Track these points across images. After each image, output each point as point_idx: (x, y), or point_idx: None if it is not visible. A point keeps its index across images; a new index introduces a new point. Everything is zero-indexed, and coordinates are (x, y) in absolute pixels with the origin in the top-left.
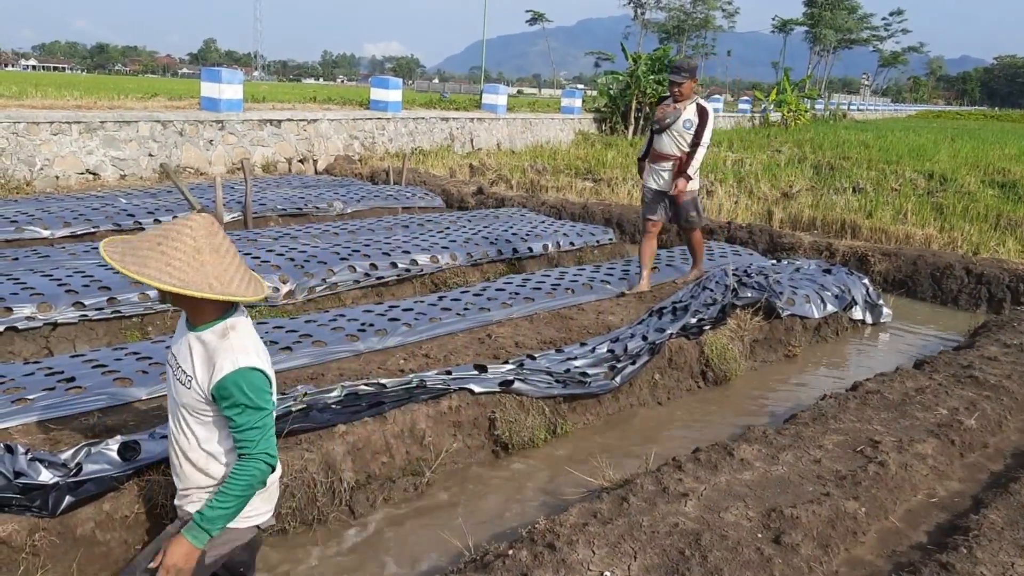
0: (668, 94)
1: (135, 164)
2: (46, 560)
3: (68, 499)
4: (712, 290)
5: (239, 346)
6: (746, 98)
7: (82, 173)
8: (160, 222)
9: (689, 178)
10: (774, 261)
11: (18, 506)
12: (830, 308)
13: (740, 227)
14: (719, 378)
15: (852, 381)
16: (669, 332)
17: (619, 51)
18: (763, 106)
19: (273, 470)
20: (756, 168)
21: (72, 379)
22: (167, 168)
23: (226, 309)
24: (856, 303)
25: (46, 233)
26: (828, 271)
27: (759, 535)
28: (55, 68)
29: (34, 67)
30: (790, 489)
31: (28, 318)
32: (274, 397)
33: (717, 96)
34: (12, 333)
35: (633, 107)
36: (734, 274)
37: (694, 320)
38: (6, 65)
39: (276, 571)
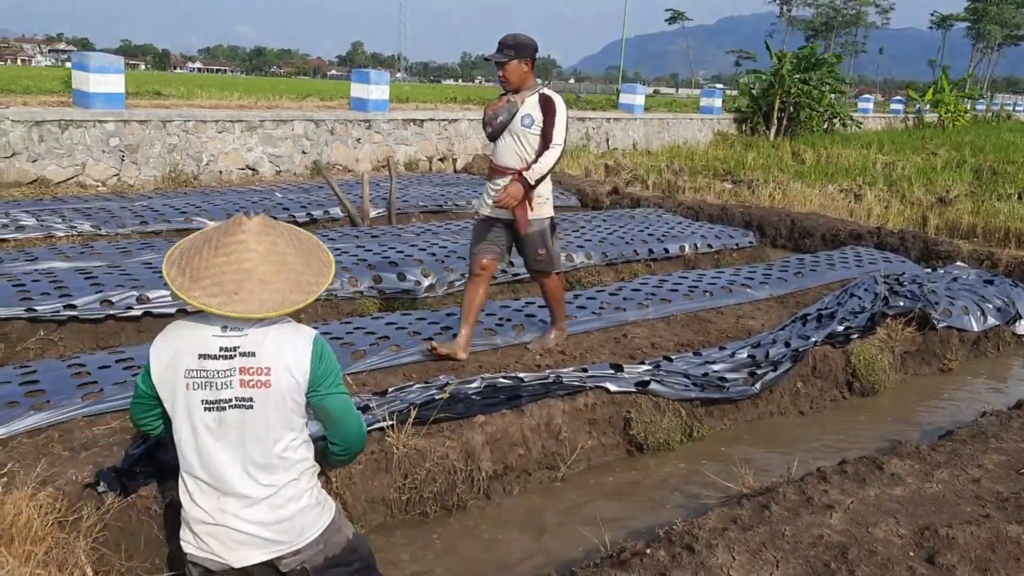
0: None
1: (289, 161)
2: None
3: None
4: (860, 297)
5: None
6: (899, 98)
7: (242, 169)
8: (312, 216)
9: (530, 197)
10: (929, 269)
11: None
12: (991, 321)
13: (891, 233)
14: (866, 389)
15: (1016, 399)
16: (814, 339)
17: (762, 49)
18: (918, 106)
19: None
20: (909, 171)
21: None
22: (319, 165)
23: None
24: (1021, 316)
25: (211, 224)
26: (990, 282)
27: (911, 553)
28: (217, 70)
29: (199, 69)
30: (945, 508)
31: (171, 303)
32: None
33: (867, 96)
34: (183, 315)
35: (776, 107)
36: (885, 281)
37: (841, 328)
38: (175, 68)
39: (416, 552)
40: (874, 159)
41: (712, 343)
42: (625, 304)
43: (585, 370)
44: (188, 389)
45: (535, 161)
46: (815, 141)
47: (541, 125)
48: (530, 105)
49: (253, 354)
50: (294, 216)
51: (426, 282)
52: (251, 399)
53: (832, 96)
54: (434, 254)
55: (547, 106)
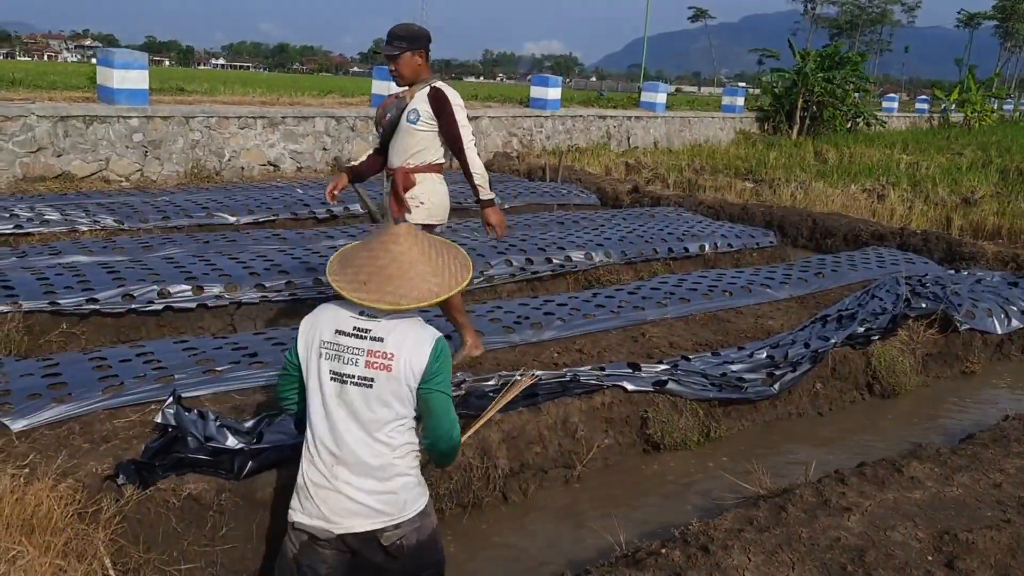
0: None
1: (310, 157)
2: (230, 519)
3: (250, 464)
4: (882, 298)
5: None
6: (924, 97)
7: (264, 165)
8: (332, 212)
9: (404, 200)
10: (952, 271)
11: (207, 467)
12: (1015, 324)
13: (914, 233)
14: (887, 391)
15: None
16: (833, 341)
17: (785, 48)
18: (943, 106)
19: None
20: (933, 171)
21: (255, 354)
22: (340, 162)
23: None
24: None
25: (232, 219)
26: (1015, 284)
27: (929, 557)
28: (240, 67)
29: (222, 66)
30: (965, 512)
31: (216, 296)
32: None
33: (891, 95)
34: (203, 310)
35: (799, 106)
36: (907, 282)
37: (861, 329)
38: (199, 64)
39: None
40: (898, 159)
41: (731, 343)
42: (644, 303)
43: (602, 369)
44: (320, 358)
45: (430, 165)
46: (838, 140)
47: (431, 121)
48: (419, 100)
49: (382, 340)
50: (314, 212)
51: None
52: (372, 379)
53: (856, 95)
54: None
55: (438, 101)
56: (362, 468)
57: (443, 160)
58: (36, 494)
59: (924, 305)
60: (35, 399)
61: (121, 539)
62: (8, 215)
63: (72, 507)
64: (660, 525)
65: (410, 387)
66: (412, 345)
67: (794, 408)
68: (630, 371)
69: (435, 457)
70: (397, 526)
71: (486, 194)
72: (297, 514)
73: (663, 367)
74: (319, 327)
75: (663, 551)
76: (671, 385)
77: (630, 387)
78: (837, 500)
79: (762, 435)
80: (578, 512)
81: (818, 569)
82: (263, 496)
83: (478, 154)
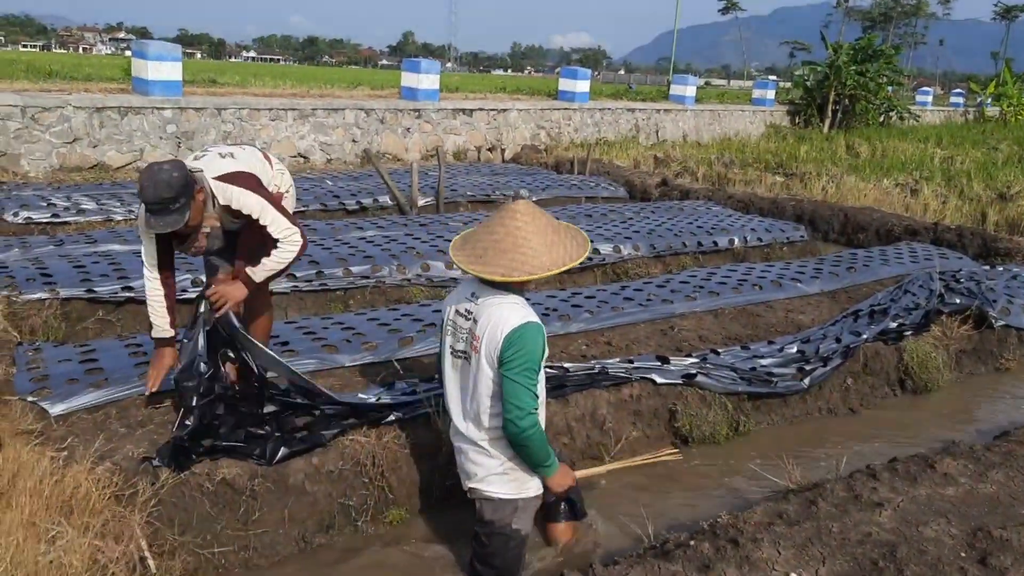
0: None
1: (340, 149)
2: (263, 504)
3: (283, 450)
4: (915, 294)
5: None
6: (959, 91)
7: (294, 156)
8: (361, 203)
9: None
10: (987, 267)
11: (241, 453)
12: None
13: (948, 228)
14: (919, 388)
15: None
16: (865, 336)
17: (817, 40)
18: (979, 100)
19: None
20: (968, 166)
21: (286, 343)
22: (369, 154)
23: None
24: None
25: None
26: None
27: (962, 554)
28: (271, 59)
29: (253, 58)
30: (999, 509)
31: None
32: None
33: (926, 89)
34: None
35: (831, 99)
36: (940, 278)
37: (894, 325)
38: (230, 56)
39: (461, 540)
40: (932, 153)
41: (761, 337)
42: (673, 296)
43: (631, 361)
44: (445, 334)
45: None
46: (870, 134)
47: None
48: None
49: (477, 321)
50: (344, 204)
51: None
52: (471, 356)
53: (889, 88)
54: None
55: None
56: (460, 436)
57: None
58: (75, 476)
59: (958, 301)
60: (73, 384)
61: (156, 522)
62: (46, 204)
63: (109, 490)
64: (688, 518)
65: (492, 368)
66: (493, 328)
67: (824, 403)
68: (659, 364)
69: (510, 441)
70: (472, 491)
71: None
72: None
73: (692, 360)
74: (448, 306)
75: (692, 543)
76: (700, 378)
77: (659, 380)
78: (868, 495)
79: (792, 430)
80: (605, 504)
81: (849, 563)
82: (295, 482)
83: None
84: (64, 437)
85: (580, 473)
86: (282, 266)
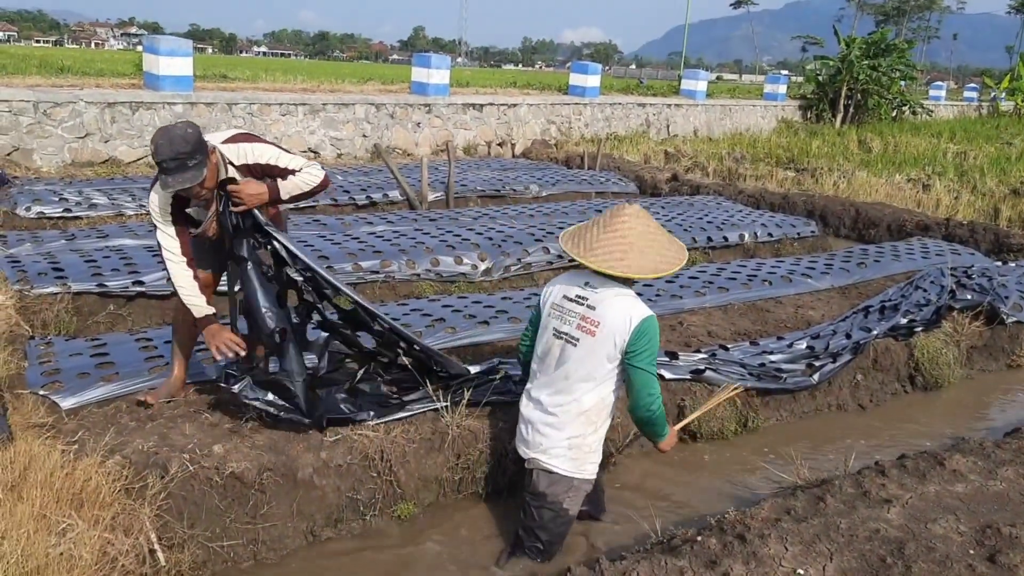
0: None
1: (350, 144)
2: (271, 497)
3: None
4: (926, 290)
5: None
6: (973, 85)
7: (304, 151)
8: (371, 199)
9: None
10: (999, 263)
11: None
12: None
13: (960, 224)
14: (929, 384)
15: None
16: (875, 332)
17: (829, 35)
18: (993, 94)
19: None
20: (982, 161)
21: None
22: (379, 149)
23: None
24: None
25: None
26: None
27: (971, 551)
28: (281, 54)
29: (264, 53)
30: (1009, 507)
31: None
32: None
33: (939, 83)
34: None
35: (843, 94)
36: (952, 274)
37: (904, 320)
38: (241, 52)
39: (469, 532)
40: (945, 148)
41: (770, 333)
42: (682, 292)
43: None
44: (550, 317)
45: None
46: (883, 129)
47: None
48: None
49: (595, 308)
50: (354, 199)
51: (482, 266)
52: (578, 339)
53: (902, 83)
54: (491, 238)
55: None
56: (536, 407)
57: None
58: (85, 469)
59: (969, 297)
60: (84, 378)
61: (166, 515)
62: (57, 199)
63: (119, 483)
64: (696, 514)
65: (608, 356)
66: (617, 317)
67: (834, 400)
68: (667, 359)
69: (634, 421)
70: (535, 461)
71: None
72: (518, 439)
73: (701, 356)
74: (554, 293)
75: (699, 539)
76: (708, 374)
77: (667, 375)
78: (877, 492)
79: (801, 426)
80: (613, 498)
81: (856, 560)
82: (304, 476)
83: (312, 186)
84: (75, 431)
85: (676, 426)
86: (307, 187)
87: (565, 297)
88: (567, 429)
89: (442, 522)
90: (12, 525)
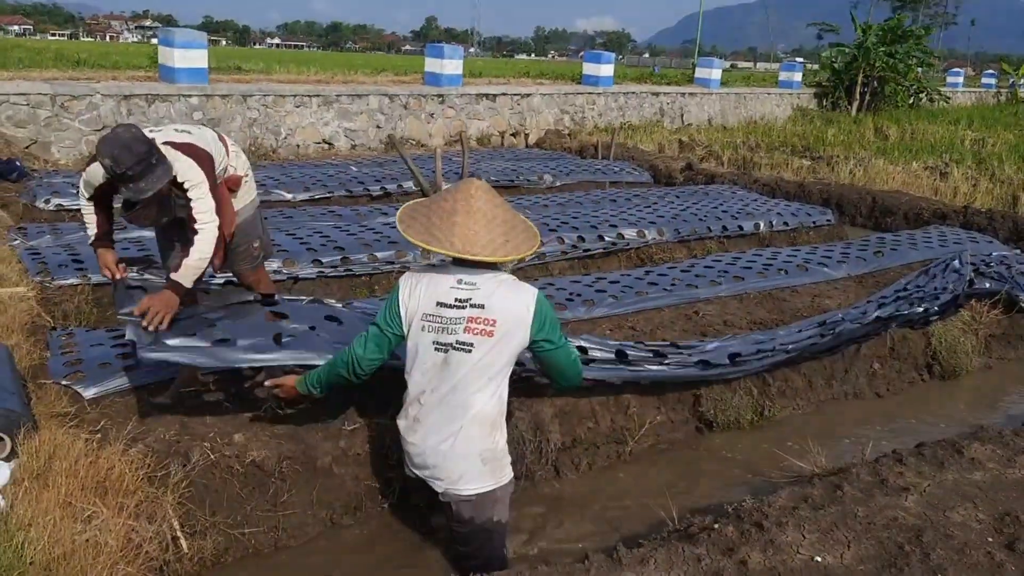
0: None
1: (364, 135)
2: (291, 485)
3: None
4: (944, 278)
5: None
6: (991, 72)
7: (319, 143)
8: (385, 189)
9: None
10: (1018, 251)
11: None
12: None
13: (978, 212)
14: (947, 372)
15: None
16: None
17: (845, 21)
18: (1011, 81)
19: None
20: (1000, 149)
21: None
22: (393, 140)
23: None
24: None
25: (289, 196)
26: None
27: (989, 539)
28: (295, 46)
29: (277, 45)
30: None
31: (275, 271)
32: (389, 314)
33: (956, 70)
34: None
35: (859, 81)
36: (970, 262)
37: (921, 309)
38: (255, 43)
39: None
40: (962, 135)
41: (786, 322)
42: (697, 281)
43: None
44: (422, 332)
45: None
46: (899, 117)
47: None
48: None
49: (483, 306)
50: (368, 189)
51: None
52: (472, 344)
53: (919, 70)
54: None
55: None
56: (434, 435)
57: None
58: (108, 458)
59: (988, 285)
60: (105, 368)
61: (188, 503)
62: (76, 192)
63: (142, 471)
64: (712, 502)
65: (512, 352)
66: (513, 307)
67: (851, 388)
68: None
69: (561, 391)
70: (454, 491)
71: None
72: (407, 464)
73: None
74: (419, 301)
75: (716, 526)
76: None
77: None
78: (895, 480)
79: (817, 415)
80: (630, 487)
81: (874, 547)
82: (323, 464)
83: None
84: (97, 420)
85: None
86: (204, 262)
87: (439, 304)
88: (476, 445)
89: None
90: (39, 512)
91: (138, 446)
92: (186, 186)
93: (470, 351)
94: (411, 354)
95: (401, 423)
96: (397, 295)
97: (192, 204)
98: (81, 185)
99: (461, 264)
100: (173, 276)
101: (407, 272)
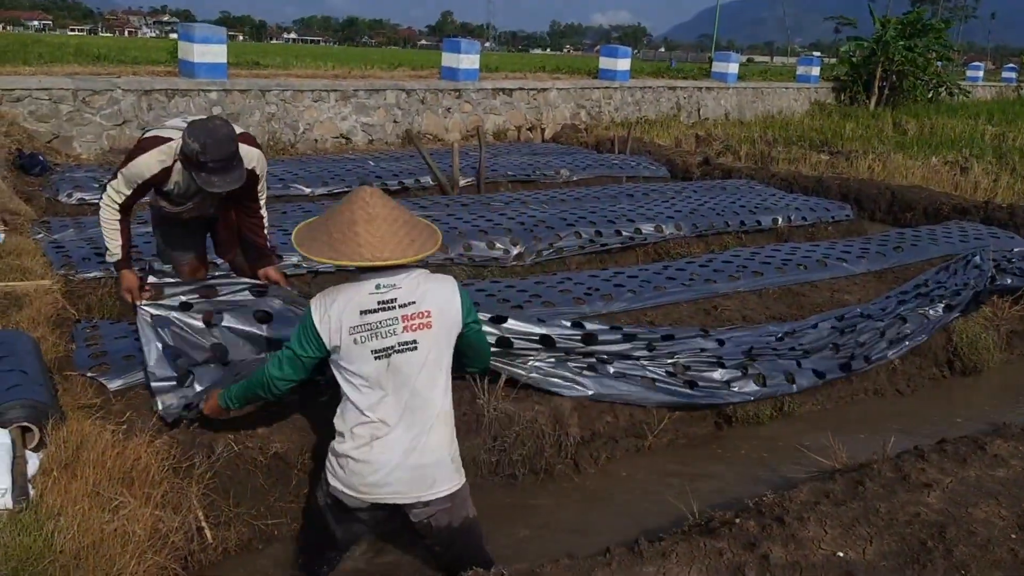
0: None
1: (381, 130)
2: (313, 478)
3: None
4: (964, 274)
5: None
6: (1011, 66)
7: (336, 137)
8: (403, 184)
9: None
10: None
11: None
12: None
13: (999, 207)
14: (968, 369)
15: None
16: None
17: (863, 15)
18: None
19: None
20: (1021, 143)
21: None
22: (410, 134)
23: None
24: None
25: (307, 190)
26: None
27: (1013, 535)
28: (311, 41)
29: (294, 40)
30: None
31: (295, 265)
32: (304, 339)
33: (976, 64)
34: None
35: (878, 76)
36: (992, 258)
37: (941, 305)
38: (271, 38)
39: (506, 515)
40: (982, 130)
41: (805, 317)
42: (715, 276)
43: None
44: (355, 344)
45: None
46: (919, 111)
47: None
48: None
49: (414, 302)
50: (386, 184)
51: (515, 251)
52: (416, 340)
53: (938, 64)
54: (523, 223)
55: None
56: (400, 450)
57: None
58: (135, 449)
59: (1009, 281)
60: (129, 360)
61: (213, 494)
62: (98, 186)
63: (167, 462)
64: (732, 497)
65: (450, 339)
66: (442, 297)
67: (871, 384)
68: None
69: (471, 372)
70: (426, 504)
71: None
72: (335, 480)
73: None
74: (340, 317)
75: (737, 520)
76: None
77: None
78: (916, 476)
79: (837, 411)
80: (649, 481)
81: (896, 543)
82: None
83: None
84: (123, 411)
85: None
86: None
87: (363, 313)
88: (445, 444)
89: (478, 504)
90: (68, 501)
91: (163, 438)
92: (258, 172)
93: (416, 348)
94: (346, 372)
95: (345, 445)
96: (310, 319)
97: (259, 188)
98: (118, 186)
99: (373, 270)
100: (270, 244)
101: (315, 296)
